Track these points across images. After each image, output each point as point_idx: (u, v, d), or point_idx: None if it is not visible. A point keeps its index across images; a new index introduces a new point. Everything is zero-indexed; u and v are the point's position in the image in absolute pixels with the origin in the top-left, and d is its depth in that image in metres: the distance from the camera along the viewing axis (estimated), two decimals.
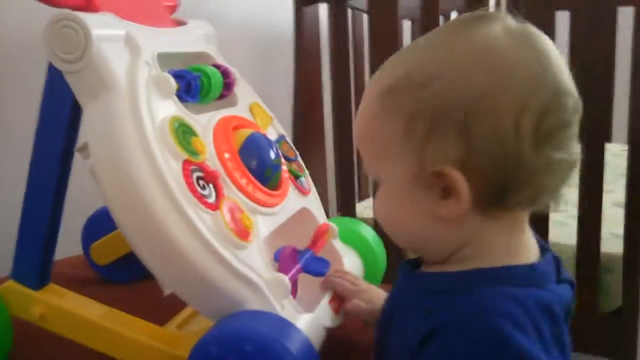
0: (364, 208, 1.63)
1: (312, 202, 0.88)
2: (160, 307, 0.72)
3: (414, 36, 1.54)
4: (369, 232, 0.93)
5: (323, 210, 0.89)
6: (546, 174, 0.52)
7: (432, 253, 0.59)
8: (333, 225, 0.86)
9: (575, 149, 0.53)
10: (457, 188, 0.51)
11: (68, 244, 0.87)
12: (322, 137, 1.61)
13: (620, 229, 1.21)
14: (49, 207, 0.70)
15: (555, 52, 0.53)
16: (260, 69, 1.80)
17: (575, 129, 0.53)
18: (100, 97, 0.66)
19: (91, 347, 0.72)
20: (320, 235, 0.82)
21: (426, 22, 1.34)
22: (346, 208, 1.52)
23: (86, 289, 0.92)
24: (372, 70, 1.42)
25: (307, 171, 0.90)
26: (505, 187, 0.52)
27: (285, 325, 0.62)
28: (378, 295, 0.75)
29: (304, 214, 0.84)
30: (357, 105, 1.73)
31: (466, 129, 0.50)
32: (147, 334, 0.71)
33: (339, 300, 0.77)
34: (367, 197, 1.70)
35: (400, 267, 0.64)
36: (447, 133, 0.51)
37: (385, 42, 1.37)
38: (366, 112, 0.58)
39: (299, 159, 0.89)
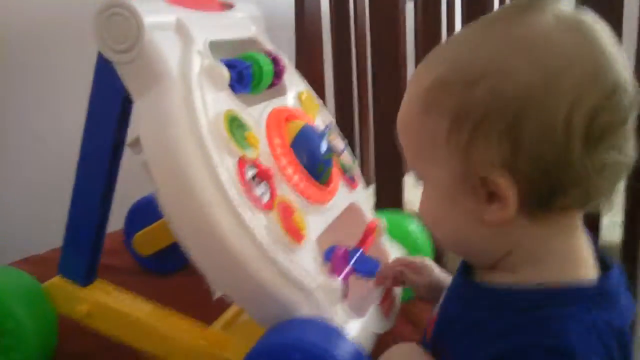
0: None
1: (360, 196, 0.85)
2: (206, 301, 0.69)
3: (416, 18, 1.49)
4: (414, 226, 0.91)
5: (371, 204, 0.87)
6: (597, 176, 0.48)
7: (479, 257, 0.56)
8: (381, 221, 0.83)
9: (630, 149, 0.50)
10: (502, 193, 0.49)
11: None
12: None
13: None
14: (97, 203, 0.68)
15: (612, 42, 0.49)
16: None
17: (630, 127, 0.49)
18: (153, 89, 0.63)
19: (136, 346, 0.70)
20: (369, 232, 0.80)
21: (428, 4, 1.30)
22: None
23: (128, 280, 0.91)
24: (374, 55, 1.40)
25: (355, 161, 0.86)
26: (554, 190, 0.48)
27: (336, 335, 0.60)
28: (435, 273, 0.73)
29: (352, 209, 0.81)
30: (359, 90, 1.74)
31: (515, 130, 0.47)
32: (194, 334, 0.70)
33: (389, 300, 0.74)
34: (369, 184, 1.66)
35: (460, 267, 0.61)
36: (494, 135, 0.48)
37: (386, 26, 1.33)
38: (409, 108, 0.55)
39: (347, 148, 0.86)
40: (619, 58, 0.48)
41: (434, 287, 0.73)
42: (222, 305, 0.73)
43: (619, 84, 0.48)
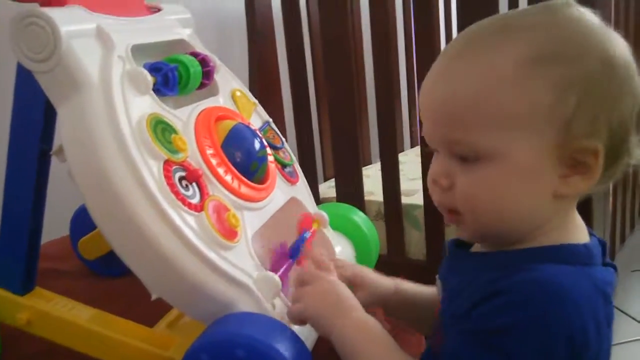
0: (327, 188, 1.62)
1: (301, 190, 0.86)
2: (153, 302, 0.70)
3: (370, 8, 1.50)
4: (360, 217, 0.92)
5: (312, 198, 0.87)
6: (631, 155, 0.54)
7: (514, 233, 0.56)
8: (323, 213, 0.84)
9: None
10: (595, 165, 0.52)
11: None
12: (282, 120, 1.58)
13: None
14: (29, 211, 0.68)
15: None
16: (217, 55, 1.76)
17: None
18: (73, 97, 0.63)
19: (80, 351, 0.70)
20: (307, 221, 0.80)
21: None
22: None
23: (77, 284, 0.91)
24: (327, 49, 1.41)
25: (294, 158, 0.87)
26: (612, 170, 0.54)
27: (276, 327, 0.60)
28: (373, 281, 0.72)
29: (293, 203, 0.82)
30: (316, 84, 1.75)
31: (611, 108, 0.52)
32: (137, 336, 0.70)
33: None
34: (332, 177, 1.66)
35: (449, 246, 0.63)
36: (597, 109, 0.51)
37: (337, 19, 1.37)
38: (488, 80, 0.53)
39: (286, 145, 0.87)
40: None
41: (396, 300, 0.72)
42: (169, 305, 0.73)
43: None
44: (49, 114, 0.66)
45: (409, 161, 1.78)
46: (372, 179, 1.60)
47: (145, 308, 0.73)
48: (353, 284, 0.72)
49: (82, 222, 0.98)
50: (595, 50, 0.52)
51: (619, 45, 0.53)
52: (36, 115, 0.66)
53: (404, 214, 1.46)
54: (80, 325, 0.70)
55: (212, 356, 0.57)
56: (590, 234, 0.58)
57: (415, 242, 1.46)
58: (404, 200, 1.45)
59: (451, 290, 0.58)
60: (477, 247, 0.60)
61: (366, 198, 1.48)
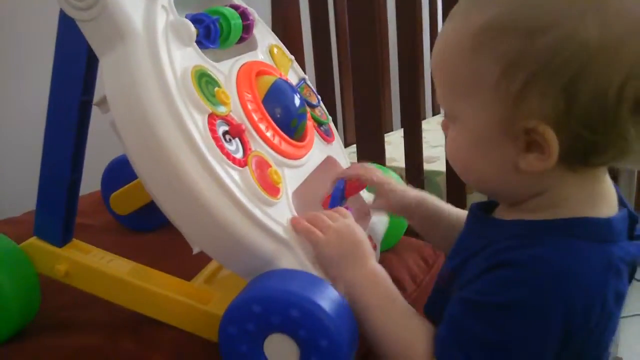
0: (349, 154, 1.59)
1: (337, 149, 0.85)
2: (186, 257, 0.70)
3: None
4: (394, 178, 0.90)
5: (347, 158, 0.86)
6: (635, 140, 0.50)
7: (505, 197, 0.58)
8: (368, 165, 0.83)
9: None
10: (546, 146, 0.50)
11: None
12: None
13: None
14: (69, 162, 0.67)
15: None
16: None
17: None
18: (117, 46, 0.61)
19: (119, 304, 0.70)
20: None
21: None
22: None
23: (108, 238, 0.91)
24: (352, 13, 1.38)
25: (329, 117, 0.86)
26: (594, 149, 0.50)
27: (329, 293, 0.59)
28: (397, 191, 0.74)
29: (329, 162, 0.81)
30: (338, 49, 1.72)
31: (571, 87, 0.48)
32: (175, 289, 0.70)
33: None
34: (352, 143, 1.65)
35: (472, 209, 0.63)
36: (550, 88, 0.48)
37: None
38: (452, 43, 0.54)
39: (321, 104, 0.85)
40: None
41: (419, 213, 0.73)
42: (204, 260, 0.73)
43: None
44: (91, 64, 0.65)
45: (431, 129, 1.76)
46: (393, 145, 1.59)
47: (179, 263, 0.75)
48: (378, 191, 0.75)
49: (114, 176, 0.97)
50: (564, 24, 0.48)
51: (602, 16, 0.48)
52: (78, 64, 0.64)
53: (425, 180, 1.45)
54: (118, 278, 0.69)
55: (266, 309, 0.57)
56: (622, 205, 0.56)
57: None
58: (426, 167, 1.45)
59: (466, 251, 0.58)
60: (499, 213, 0.60)
61: (387, 164, 1.48)
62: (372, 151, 1.44)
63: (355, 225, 0.65)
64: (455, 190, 1.38)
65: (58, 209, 0.69)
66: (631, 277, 0.55)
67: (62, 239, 0.71)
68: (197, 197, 0.60)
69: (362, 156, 1.49)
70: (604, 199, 0.55)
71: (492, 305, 0.50)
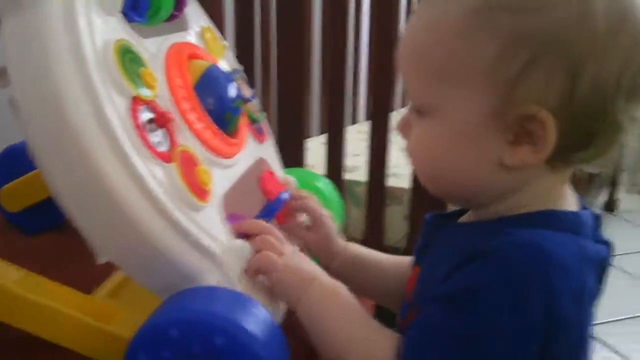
0: None
1: (269, 150, 0.76)
2: (87, 265, 0.58)
3: None
4: (324, 183, 0.84)
5: (280, 160, 0.78)
6: (623, 130, 0.48)
7: (475, 199, 0.53)
8: (292, 178, 0.75)
9: None
10: (543, 136, 0.46)
11: None
12: None
13: None
14: None
15: None
16: None
17: None
18: (26, 6, 0.50)
19: (5, 321, 0.58)
20: (276, 188, 0.71)
21: None
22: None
23: None
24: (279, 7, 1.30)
25: (264, 113, 0.77)
26: (588, 140, 0.48)
27: (255, 310, 0.51)
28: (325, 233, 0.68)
29: (260, 164, 0.72)
30: (262, 45, 1.63)
31: (576, 70, 0.44)
32: (71, 303, 0.58)
33: None
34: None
35: (431, 220, 0.58)
36: (552, 71, 0.45)
37: None
38: (439, 28, 0.48)
39: (255, 99, 0.77)
40: None
41: (345, 255, 0.68)
42: (108, 269, 0.62)
43: None
44: None
45: (351, 138, 1.71)
46: (312, 151, 1.53)
47: (78, 272, 0.63)
48: (313, 224, 0.68)
49: (8, 166, 0.84)
50: (572, 3, 0.45)
51: (606, 1, 0.45)
52: None
53: (345, 190, 1.40)
54: (3, 288, 0.57)
55: (185, 334, 0.48)
56: (584, 207, 0.53)
57: (354, 219, 1.40)
58: (346, 176, 1.39)
59: (430, 264, 0.54)
60: (464, 219, 0.56)
61: None
62: (292, 157, 1.36)
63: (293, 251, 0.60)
64: (374, 201, 1.33)
65: None
66: (601, 281, 0.52)
67: None
68: (109, 195, 0.49)
69: (281, 161, 1.41)
70: (571, 198, 0.53)
71: (462, 289, 0.46)
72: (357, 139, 1.73)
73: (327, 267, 0.65)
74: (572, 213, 0.51)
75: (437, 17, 0.48)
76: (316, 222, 0.68)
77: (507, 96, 0.46)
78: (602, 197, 2.69)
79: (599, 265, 0.51)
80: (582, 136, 0.47)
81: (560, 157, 0.48)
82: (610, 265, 0.53)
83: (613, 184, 2.65)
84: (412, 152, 0.53)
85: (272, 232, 0.60)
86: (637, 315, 1.85)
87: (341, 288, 0.56)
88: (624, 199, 2.82)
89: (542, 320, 0.44)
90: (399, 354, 0.48)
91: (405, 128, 0.54)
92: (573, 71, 0.45)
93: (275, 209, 0.65)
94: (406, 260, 0.65)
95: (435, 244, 0.56)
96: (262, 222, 0.61)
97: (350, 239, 1.43)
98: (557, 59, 0.45)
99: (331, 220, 0.69)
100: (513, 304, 0.44)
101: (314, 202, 0.69)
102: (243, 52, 1.49)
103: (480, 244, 0.47)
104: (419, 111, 0.52)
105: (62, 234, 0.80)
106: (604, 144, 0.48)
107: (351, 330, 0.53)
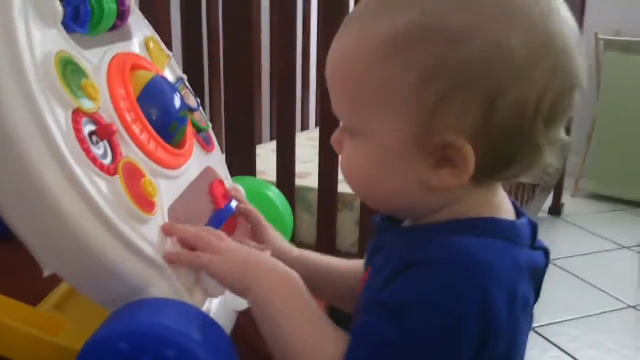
0: None
1: (216, 159, 0.76)
2: (32, 275, 0.57)
3: None
4: (274, 193, 0.84)
5: (227, 169, 0.78)
6: (546, 152, 0.50)
7: (408, 214, 0.55)
8: (239, 187, 0.75)
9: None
10: (462, 162, 0.47)
11: None
12: None
13: None
14: None
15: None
16: None
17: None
18: None
19: None
20: (224, 197, 0.71)
21: None
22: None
23: None
24: (226, 13, 1.30)
25: (210, 123, 0.77)
26: (509, 162, 0.49)
27: (204, 321, 0.52)
28: (274, 243, 0.69)
29: (208, 173, 0.72)
30: (210, 50, 1.61)
31: (492, 100, 0.46)
32: (16, 316, 0.58)
33: None
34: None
35: (379, 222, 0.59)
36: (469, 101, 0.46)
37: None
38: (361, 51, 0.48)
39: (201, 108, 0.77)
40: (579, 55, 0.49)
41: (300, 266, 0.65)
42: (54, 281, 0.61)
43: (578, 76, 0.49)
44: None
45: (301, 144, 1.71)
46: (262, 158, 1.52)
47: (22, 283, 0.62)
48: (259, 237, 0.68)
49: None
50: (486, 32, 0.45)
51: (529, 30, 0.46)
52: None
53: (296, 196, 1.40)
54: None
55: (136, 347, 0.47)
56: (520, 215, 0.55)
57: (306, 225, 1.41)
58: (297, 182, 1.39)
59: (375, 268, 0.54)
60: (407, 223, 0.57)
61: (257, 177, 1.40)
62: (242, 163, 1.36)
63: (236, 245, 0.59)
64: (326, 208, 1.34)
65: None
66: (538, 289, 0.54)
67: None
68: (53, 209, 0.49)
69: (231, 168, 1.40)
70: (505, 208, 0.54)
71: (396, 305, 0.46)
72: (307, 145, 1.74)
73: None
74: (508, 221, 0.52)
75: (358, 40, 0.49)
76: (264, 237, 0.68)
77: (427, 123, 0.47)
78: (548, 202, 2.76)
79: (534, 272, 0.51)
80: (504, 157, 0.49)
81: (484, 176, 0.49)
82: (545, 272, 0.54)
83: (558, 189, 2.72)
84: (345, 170, 0.54)
85: (209, 230, 0.60)
86: (583, 315, 1.91)
87: (293, 282, 0.54)
88: (569, 203, 2.90)
89: (476, 328, 0.45)
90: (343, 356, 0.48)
91: (337, 144, 0.55)
92: (491, 100, 0.46)
93: (222, 219, 0.65)
94: (360, 263, 0.66)
95: (383, 247, 0.56)
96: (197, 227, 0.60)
97: (302, 245, 1.44)
98: (474, 89, 0.46)
99: (275, 231, 0.69)
100: (447, 314, 0.45)
101: (257, 215, 0.69)
102: (190, 59, 1.48)
103: (415, 253, 0.48)
104: (347, 131, 0.53)
105: (7, 244, 0.78)
106: (527, 163, 0.50)
107: (299, 329, 0.52)
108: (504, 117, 0.46)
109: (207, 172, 0.72)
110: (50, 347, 0.56)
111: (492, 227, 0.51)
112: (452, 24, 0.45)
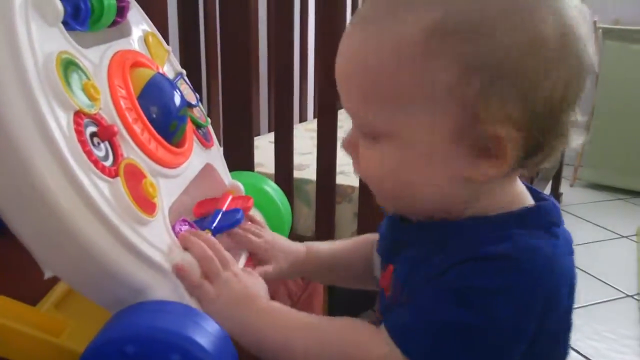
0: None
1: (215, 155, 0.76)
2: (31, 274, 0.57)
3: None
4: (272, 188, 0.84)
5: (225, 165, 0.78)
6: (567, 136, 0.51)
7: (437, 212, 0.54)
8: (238, 184, 0.75)
9: None
10: (502, 152, 0.48)
11: None
12: None
13: None
14: None
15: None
16: None
17: None
18: None
19: None
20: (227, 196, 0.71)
21: None
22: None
23: None
24: (223, 7, 1.30)
25: (209, 119, 0.77)
26: (540, 149, 0.50)
27: (208, 325, 0.51)
28: (283, 248, 0.68)
29: (208, 170, 0.72)
30: (207, 44, 1.60)
31: (528, 90, 0.47)
32: (16, 316, 0.57)
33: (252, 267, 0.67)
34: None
35: (397, 219, 0.59)
36: (508, 91, 0.46)
37: None
38: (385, 52, 0.48)
39: (200, 104, 0.76)
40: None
41: (311, 262, 0.69)
42: (52, 279, 0.60)
43: (592, 61, 0.50)
44: None
45: (299, 136, 1.71)
46: (260, 149, 1.52)
47: (21, 282, 0.63)
48: (262, 259, 0.68)
49: None
50: (520, 26, 0.46)
51: (555, 19, 0.47)
52: None
53: (294, 188, 1.40)
54: None
55: (142, 351, 0.48)
56: (542, 198, 0.56)
57: (304, 217, 1.41)
58: (295, 174, 1.39)
59: (412, 261, 0.54)
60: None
61: (255, 169, 1.40)
62: (240, 156, 1.36)
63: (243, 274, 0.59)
64: (324, 200, 1.34)
65: None
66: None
67: None
68: (55, 212, 0.49)
69: (229, 161, 1.40)
70: (526, 193, 0.55)
71: (477, 288, 0.48)
72: (306, 136, 1.73)
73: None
74: (548, 205, 0.54)
75: (385, 40, 0.48)
76: (270, 255, 0.68)
77: (469, 116, 0.47)
78: (546, 191, 2.76)
79: (572, 252, 0.54)
80: (537, 145, 0.50)
81: (518, 165, 0.51)
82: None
83: (557, 178, 2.72)
84: (367, 173, 0.54)
85: (220, 252, 0.59)
86: (582, 305, 1.91)
87: (281, 308, 0.56)
88: (567, 192, 2.90)
89: (539, 311, 0.48)
90: (388, 341, 0.49)
91: (351, 147, 0.54)
92: (526, 89, 0.47)
93: (226, 227, 0.65)
94: (361, 239, 0.68)
95: (412, 242, 0.56)
96: (206, 238, 0.60)
97: (300, 237, 1.45)
98: (512, 80, 0.46)
99: (280, 242, 0.69)
100: (523, 306, 0.48)
101: (255, 239, 0.68)
102: (188, 52, 1.48)
103: (484, 247, 0.49)
104: (368, 135, 0.52)
105: (4, 241, 0.77)
106: (551, 150, 0.51)
107: (323, 344, 0.53)
108: (539, 104, 0.47)
109: (207, 168, 0.71)
110: (52, 348, 0.56)
111: (534, 215, 0.52)
112: (489, 18, 0.46)
